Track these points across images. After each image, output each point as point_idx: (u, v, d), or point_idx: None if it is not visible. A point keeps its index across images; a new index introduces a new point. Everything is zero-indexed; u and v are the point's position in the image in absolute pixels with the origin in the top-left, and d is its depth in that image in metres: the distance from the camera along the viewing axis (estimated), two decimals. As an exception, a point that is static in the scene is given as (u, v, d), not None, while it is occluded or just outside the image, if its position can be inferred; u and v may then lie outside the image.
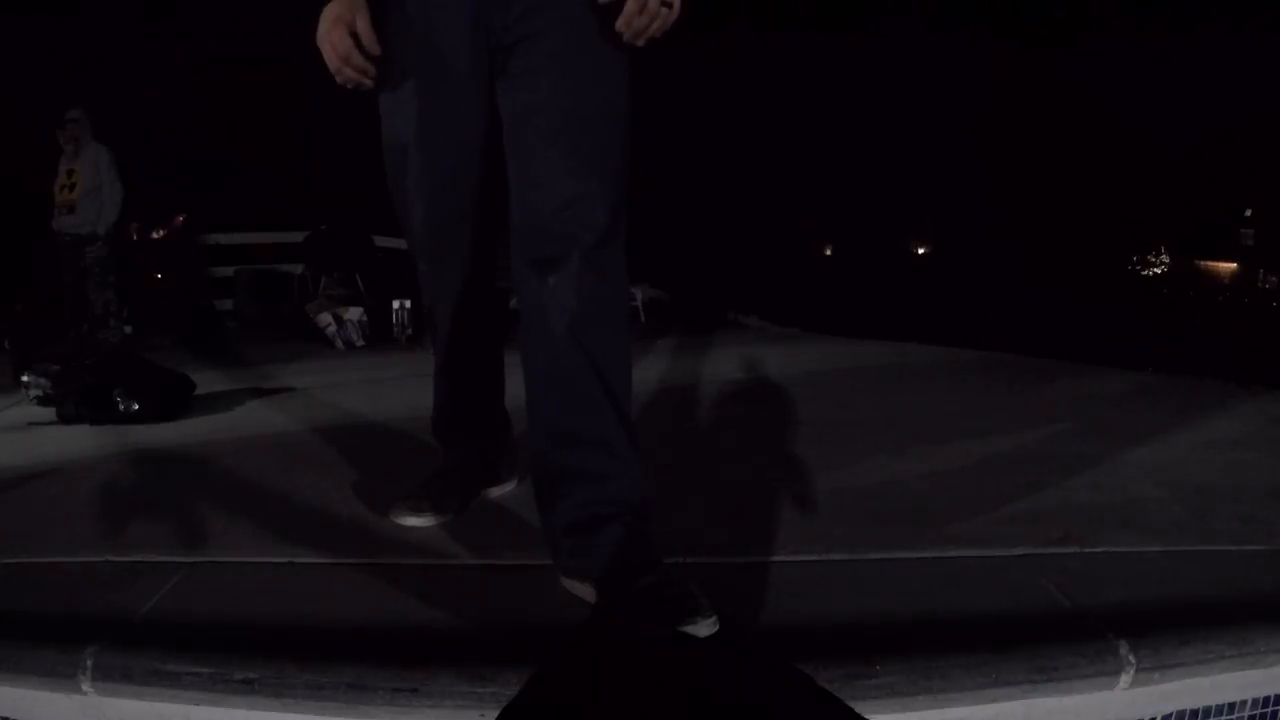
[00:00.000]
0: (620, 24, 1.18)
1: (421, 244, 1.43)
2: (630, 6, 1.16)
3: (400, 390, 2.99)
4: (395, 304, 5.15)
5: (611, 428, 1.20)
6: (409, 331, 5.12)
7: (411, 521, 1.51)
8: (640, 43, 1.21)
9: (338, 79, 1.29)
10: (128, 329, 5.24)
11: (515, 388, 1.41)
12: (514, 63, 1.24)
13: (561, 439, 1.22)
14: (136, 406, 2.50)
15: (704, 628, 1.02)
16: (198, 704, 1.00)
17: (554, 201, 1.20)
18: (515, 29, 1.22)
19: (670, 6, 1.19)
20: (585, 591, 1.18)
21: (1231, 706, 1.11)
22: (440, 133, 1.32)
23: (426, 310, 1.58)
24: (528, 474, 1.45)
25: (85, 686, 1.01)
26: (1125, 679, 1.03)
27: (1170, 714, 1.09)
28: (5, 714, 1.06)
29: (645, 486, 1.23)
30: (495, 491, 1.67)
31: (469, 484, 1.63)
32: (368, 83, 1.29)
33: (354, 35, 1.24)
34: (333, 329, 4.90)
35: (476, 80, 1.28)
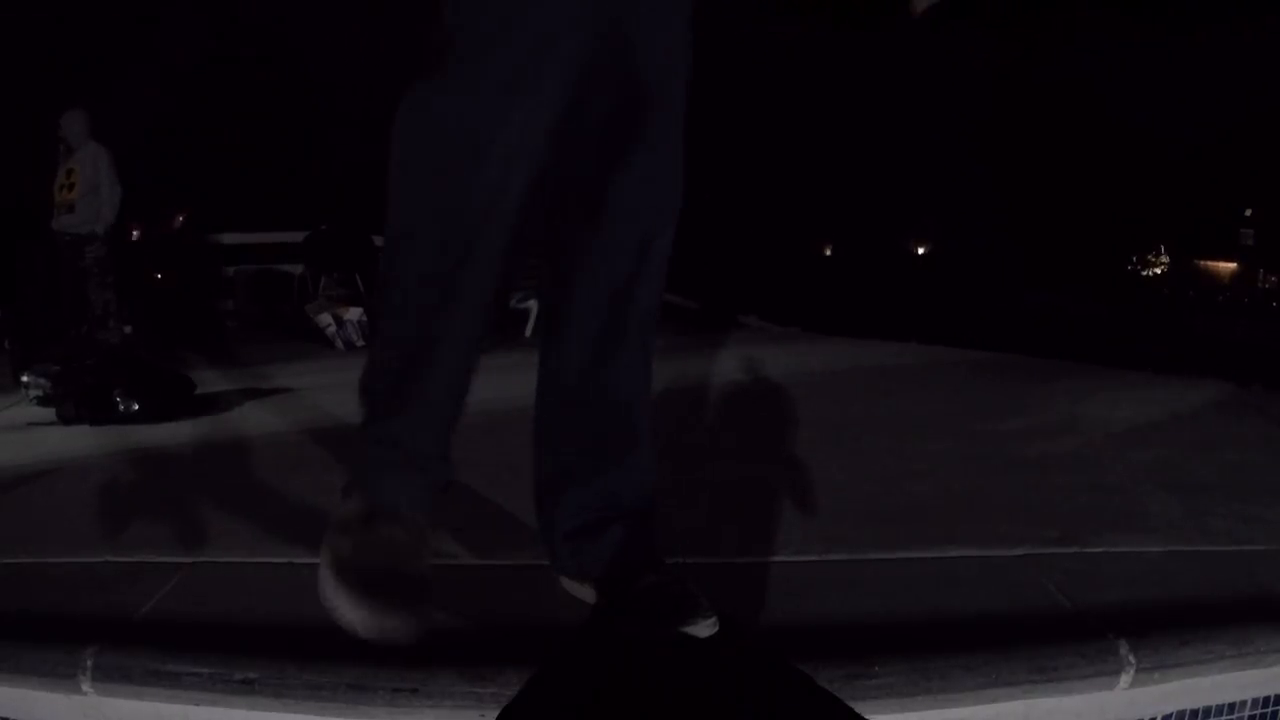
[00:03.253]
0: None
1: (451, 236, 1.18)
2: None
3: (400, 390, 2.97)
4: (395, 304, 5.14)
5: (616, 429, 1.20)
6: (409, 331, 5.12)
7: None
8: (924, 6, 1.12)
9: None
10: (128, 329, 5.23)
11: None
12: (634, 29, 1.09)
13: (566, 439, 1.21)
14: (136, 406, 2.50)
15: (704, 628, 1.02)
16: (198, 704, 0.99)
17: (648, 186, 1.12)
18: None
19: None
20: (585, 592, 1.18)
21: (1231, 706, 1.11)
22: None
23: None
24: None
25: (85, 686, 1.01)
26: (1125, 679, 1.03)
27: (1170, 714, 1.09)
28: (5, 714, 1.06)
29: (647, 486, 1.23)
30: None
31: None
32: None
33: None
34: (333, 329, 4.90)
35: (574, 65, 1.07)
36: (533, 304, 4.64)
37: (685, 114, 1.16)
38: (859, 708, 0.89)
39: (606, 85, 1.10)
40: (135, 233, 6.58)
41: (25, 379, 2.76)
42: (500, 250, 1.07)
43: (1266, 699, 1.13)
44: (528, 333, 4.83)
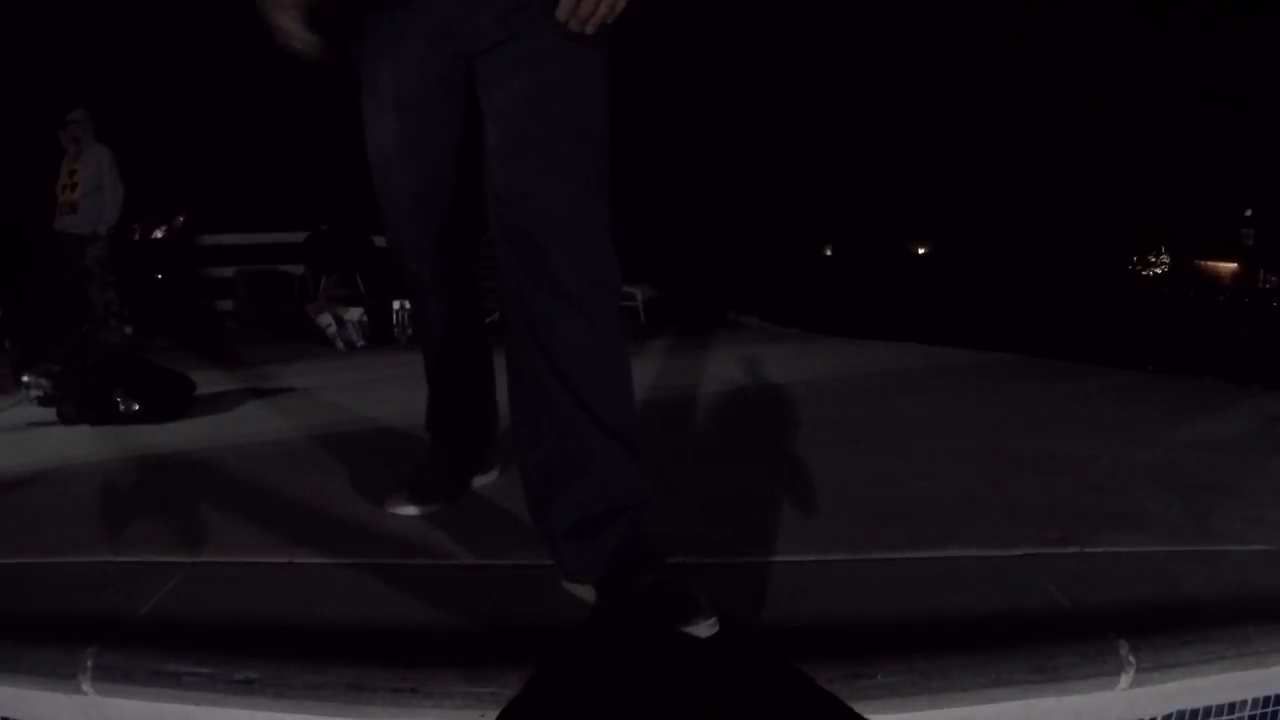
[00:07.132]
0: (560, 13, 1.11)
1: (409, 248, 1.47)
2: None
3: (400, 390, 2.98)
4: (395, 304, 5.14)
5: (604, 431, 1.19)
6: (409, 332, 5.11)
7: (405, 510, 1.52)
8: (589, 29, 1.13)
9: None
10: (128, 329, 5.24)
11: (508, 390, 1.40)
12: (488, 68, 1.22)
13: (555, 440, 1.20)
14: (137, 407, 2.50)
15: (704, 628, 1.02)
16: (198, 704, 0.99)
17: (525, 203, 1.16)
18: (486, 35, 1.21)
19: None
20: (585, 593, 1.18)
21: (1231, 706, 1.11)
22: (419, 141, 1.34)
23: (414, 311, 1.62)
24: (512, 462, 1.43)
25: (85, 686, 1.01)
26: (1125, 679, 1.03)
27: (1170, 714, 1.09)
28: (5, 714, 1.06)
29: (644, 485, 1.23)
30: (480, 480, 1.72)
31: (459, 473, 1.67)
32: (316, 55, 1.27)
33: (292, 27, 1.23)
34: (333, 329, 4.90)
35: (450, 88, 1.29)
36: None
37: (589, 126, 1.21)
38: (859, 708, 0.89)
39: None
40: (136, 233, 6.54)
41: (26, 379, 2.75)
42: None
43: (1266, 699, 1.13)
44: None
